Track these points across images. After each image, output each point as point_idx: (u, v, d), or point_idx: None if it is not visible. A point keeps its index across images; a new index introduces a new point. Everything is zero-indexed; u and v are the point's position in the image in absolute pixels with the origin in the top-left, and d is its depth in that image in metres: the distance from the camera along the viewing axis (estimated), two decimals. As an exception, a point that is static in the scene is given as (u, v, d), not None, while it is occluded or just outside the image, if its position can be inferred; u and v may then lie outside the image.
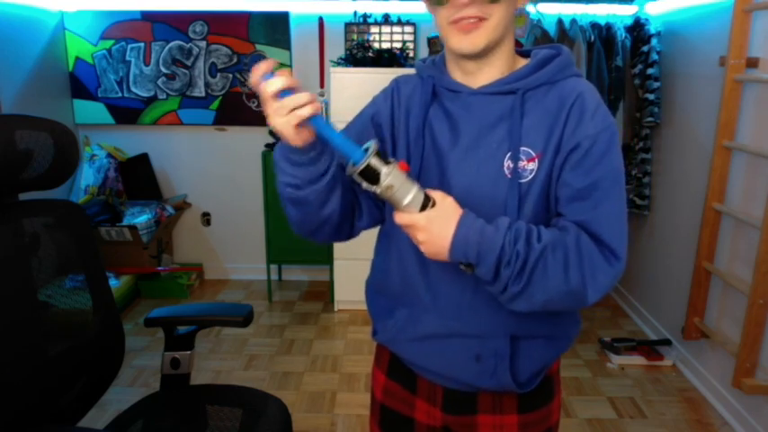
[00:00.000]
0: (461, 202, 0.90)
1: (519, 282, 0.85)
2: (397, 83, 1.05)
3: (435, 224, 0.84)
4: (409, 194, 0.84)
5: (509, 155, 0.91)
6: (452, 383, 1.02)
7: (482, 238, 0.84)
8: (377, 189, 0.84)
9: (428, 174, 0.97)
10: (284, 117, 0.82)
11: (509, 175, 0.91)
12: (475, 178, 0.93)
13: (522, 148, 0.91)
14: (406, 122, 1.00)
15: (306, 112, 0.81)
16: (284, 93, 0.81)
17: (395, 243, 1.02)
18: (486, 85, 0.94)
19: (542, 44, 2.98)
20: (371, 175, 0.83)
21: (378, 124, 1.02)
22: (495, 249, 0.84)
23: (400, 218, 0.86)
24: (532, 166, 0.91)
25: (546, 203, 0.93)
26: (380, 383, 1.13)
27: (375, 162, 0.82)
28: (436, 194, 0.86)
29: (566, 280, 0.85)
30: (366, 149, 0.84)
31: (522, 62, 0.97)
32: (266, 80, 0.81)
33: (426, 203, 0.85)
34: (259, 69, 0.82)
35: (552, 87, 0.93)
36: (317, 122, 0.83)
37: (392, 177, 0.83)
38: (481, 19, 0.88)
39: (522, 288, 0.86)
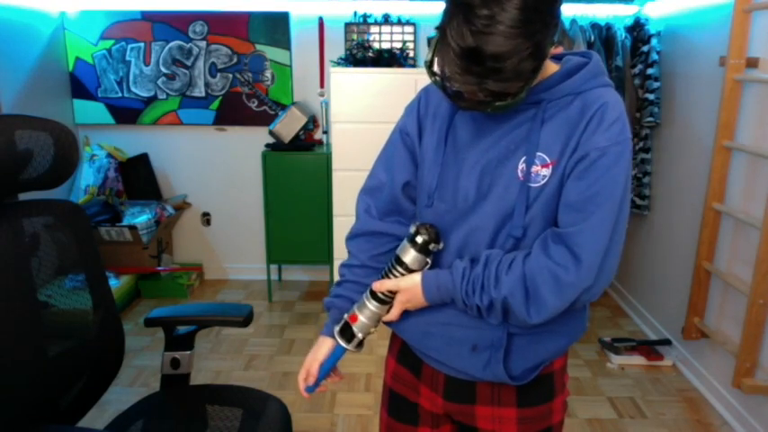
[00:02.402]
0: (473, 200, 0.97)
1: (495, 318, 0.96)
2: (426, 91, 1.09)
3: (411, 299, 1.02)
4: (374, 317, 1.04)
5: (524, 158, 0.93)
6: (452, 371, 1.05)
7: (442, 290, 0.98)
8: (369, 332, 1.07)
9: (447, 176, 1.01)
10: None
11: (521, 178, 0.93)
12: (490, 180, 0.96)
13: (538, 154, 0.92)
14: (432, 127, 1.04)
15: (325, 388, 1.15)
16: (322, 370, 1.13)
17: None
18: None
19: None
20: (359, 345, 1.07)
21: (406, 134, 1.09)
22: (458, 299, 0.97)
23: (390, 318, 1.05)
24: (546, 172, 0.92)
25: (552, 211, 0.94)
26: (391, 369, 1.18)
27: (348, 346, 1.07)
28: (381, 284, 1.02)
29: (530, 311, 0.93)
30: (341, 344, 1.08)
31: (553, 69, 0.96)
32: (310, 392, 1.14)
33: (386, 300, 1.03)
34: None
35: (577, 97, 0.93)
36: (324, 373, 1.13)
37: (361, 333, 1.05)
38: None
39: (501, 320, 0.97)
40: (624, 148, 0.90)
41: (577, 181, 0.91)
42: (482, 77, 0.81)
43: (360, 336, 1.05)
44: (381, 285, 1.02)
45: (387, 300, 1.02)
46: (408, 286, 1.00)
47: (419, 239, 0.98)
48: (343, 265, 1.15)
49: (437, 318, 1.02)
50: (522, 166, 0.93)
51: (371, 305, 1.03)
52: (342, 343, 1.06)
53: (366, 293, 1.05)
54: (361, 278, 1.12)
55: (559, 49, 0.88)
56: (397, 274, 1.01)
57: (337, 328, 1.07)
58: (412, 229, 0.99)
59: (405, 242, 1.00)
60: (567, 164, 0.92)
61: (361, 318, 1.04)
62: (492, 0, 0.77)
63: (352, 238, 1.14)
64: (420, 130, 1.07)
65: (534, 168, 0.92)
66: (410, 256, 0.99)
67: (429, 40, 3.03)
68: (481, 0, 0.78)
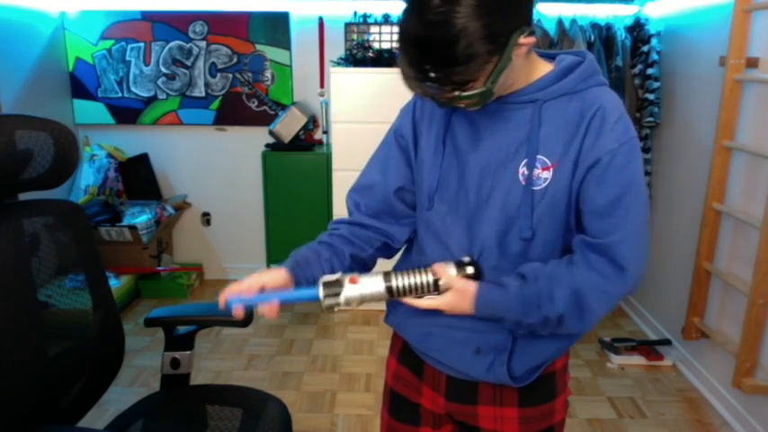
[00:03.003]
0: (475, 203, 0.96)
1: (545, 330, 0.96)
2: None
3: (457, 304, 0.96)
4: (368, 297, 0.95)
5: (524, 162, 0.93)
6: (453, 372, 1.05)
7: (491, 306, 0.94)
8: (348, 305, 0.96)
9: (448, 178, 1.00)
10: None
11: (523, 182, 0.93)
12: (491, 183, 0.96)
13: (539, 157, 0.92)
14: (428, 130, 1.03)
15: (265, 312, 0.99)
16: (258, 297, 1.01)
17: (416, 237, 1.10)
18: (507, 95, 0.95)
19: (543, 45, 2.94)
20: (330, 308, 0.96)
21: (401, 136, 1.08)
22: (510, 319, 0.95)
23: (419, 305, 0.97)
24: (547, 174, 0.92)
25: (558, 212, 0.94)
26: (392, 369, 1.18)
27: (323, 300, 0.95)
28: (440, 269, 0.95)
29: (582, 323, 0.94)
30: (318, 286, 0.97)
31: (546, 68, 0.95)
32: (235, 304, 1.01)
33: (397, 295, 0.95)
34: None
35: (574, 97, 0.93)
36: (280, 299, 1.00)
37: (343, 299, 0.95)
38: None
39: (551, 331, 0.96)
40: (633, 146, 0.91)
41: (597, 187, 0.90)
42: (437, 65, 0.81)
43: (341, 300, 0.95)
44: (440, 270, 0.95)
45: (397, 295, 0.96)
46: (462, 289, 0.94)
47: (468, 270, 0.96)
48: (321, 234, 1.11)
49: (439, 319, 1.02)
50: (522, 169, 0.93)
51: (377, 286, 0.96)
52: (320, 292, 0.96)
53: (381, 275, 0.97)
54: (336, 243, 1.07)
55: (531, 40, 0.85)
56: (424, 278, 0.98)
57: (326, 279, 0.97)
58: (465, 259, 0.97)
59: (450, 260, 0.98)
60: (574, 170, 0.91)
61: (359, 287, 0.96)
62: None
63: (336, 221, 1.13)
64: (415, 134, 1.06)
65: (535, 172, 0.92)
66: (448, 271, 0.96)
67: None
68: None
